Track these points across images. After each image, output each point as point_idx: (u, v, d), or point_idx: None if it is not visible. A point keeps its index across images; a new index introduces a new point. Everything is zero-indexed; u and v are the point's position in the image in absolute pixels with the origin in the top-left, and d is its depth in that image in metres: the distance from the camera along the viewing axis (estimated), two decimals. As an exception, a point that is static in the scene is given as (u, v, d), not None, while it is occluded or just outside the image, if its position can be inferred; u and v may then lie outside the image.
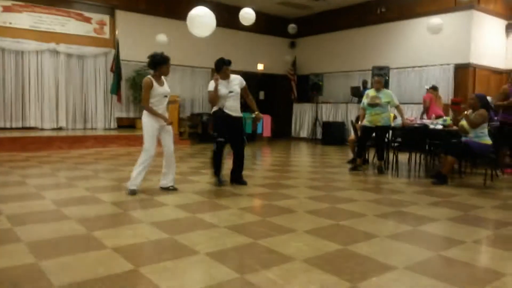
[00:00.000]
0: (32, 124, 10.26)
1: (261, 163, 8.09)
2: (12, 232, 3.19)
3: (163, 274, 2.49)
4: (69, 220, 3.57)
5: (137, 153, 8.40)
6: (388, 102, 6.54)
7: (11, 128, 9.88)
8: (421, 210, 4.27)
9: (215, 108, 5.23)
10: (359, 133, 7.04)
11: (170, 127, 4.83)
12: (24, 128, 10.06)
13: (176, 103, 10.77)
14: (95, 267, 2.58)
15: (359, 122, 7.15)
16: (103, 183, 5.37)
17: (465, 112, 5.72)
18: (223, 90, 5.11)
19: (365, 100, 6.68)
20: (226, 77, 5.16)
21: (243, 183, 5.35)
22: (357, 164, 6.79)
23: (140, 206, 4.15)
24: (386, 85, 10.75)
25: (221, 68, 5.14)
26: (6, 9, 9.85)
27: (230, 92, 5.13)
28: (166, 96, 4.75)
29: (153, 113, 4.61)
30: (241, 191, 4.98)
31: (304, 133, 13.41)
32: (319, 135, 12.46)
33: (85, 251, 2.85)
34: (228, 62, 5.18)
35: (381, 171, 6.52)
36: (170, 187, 4.84)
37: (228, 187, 5.23)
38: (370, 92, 6.69)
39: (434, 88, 8.74)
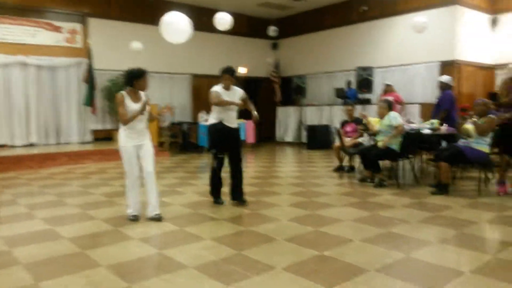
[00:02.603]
0: (2, 142, 9.70)
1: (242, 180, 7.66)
2: None
3: None
4: (16, 266, 3.11)
5: (110, 170, 8.01)
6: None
7: (-23, 147, 9.31)
8: (412, 230, 3.91)
9: (213, 121, 4.88)
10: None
11: (149, 145, 4.34)
12: (-8, 146, 9.49)
13: (164, 113, 10.29)
14: None
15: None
16: (67, 211, 4.88)
17: (472, 118, 5.36)
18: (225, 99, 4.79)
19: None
20: (227, 86, 4.86)
21: (244, 202, 4.96)
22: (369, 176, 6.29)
23: (100, 242, 3.69)
24: (370, 85, 10.48)
25: (223, 76, 4.85)
26: (-30, 21, 9.28)
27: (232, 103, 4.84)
28: (142, 114, 4.25)
29: (131, 119, 4.17)
30: (217, 215, 4.56)
31: (288, 137, 13.03)
32: (304, 139, 12.09)
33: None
34: (231, 71, 4.87)
35: (382, 185, 5.98)
36: (155, 216, 4.31)
37: (204, 209, 4.81)
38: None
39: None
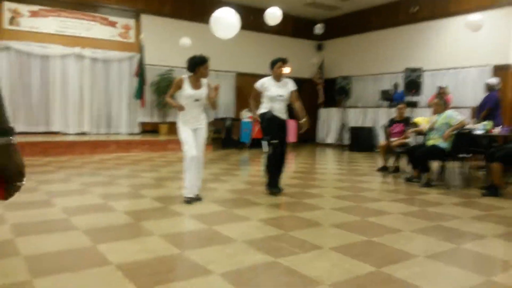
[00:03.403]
0: (57, 129, 10.25)
1: (284, 169, 7.68)
2: (12, 244, 2.95)
3: (168, 299, 2.17)
4: (76, 230, 3.31)
5: (158, 159, 8.29)
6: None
7: (36, 133, 9.88)
8: (463, 225, 3.80)
9: (263, 110, 4.97)
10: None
11: (202, 131, 4.51)
12: (48, 133, 10.05)
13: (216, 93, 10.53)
14: (93, 286, 2.29)
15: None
16: (119, 189, 5.12)
17: None
18: (272, 91, 4.89)
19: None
20: (277, 77, 4.95)
21: (280, 189, 5.05)
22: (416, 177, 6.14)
23: (153, 216, 3.86)
24: (418, 86, 10.22)
25: (274, 65, 4.95)
26: (33, 14, 9.89)
27: (279, 95, 4.92)
28: (197, 100, 4.41)
29: (169, 102, 4.49)
30: (262, 201, 4.62)
31: (330, 139, 12.93)
32: (346, 141, 11.97)
33: (86, 267, 2.57)
34: (283, 59, 4.97)
35: (429, 185, 5.83)
36: (195, 196, 4.48)
37: (248, 195, 4.89)
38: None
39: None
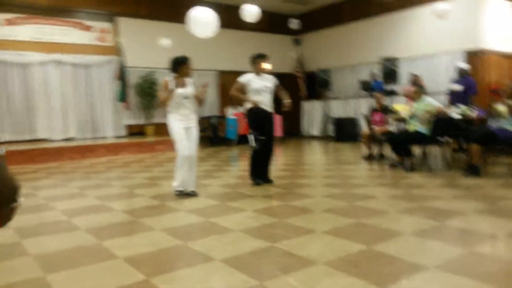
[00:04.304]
0: (42, 136, 10.22)
1: (273, 162, 7.87)
2: (20, 245, 3.07)
3: (177, 284, 2.33)
4: (79, 230, 3.44)
5: (148, 159, 8.39)
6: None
7: (21, 141, 9.84)
8: (446, 204, 4.05)
9: (250, 105, 5.11)
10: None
11: (195, 130, 4.66)
12: (34, 141, 10.02)
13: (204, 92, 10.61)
14: (104, 278, 2.44)
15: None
16: (114, 191, 5.24)
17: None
18: (257, 84, 5.07)
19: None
20: (259, 71, 5.13)
21: (271, 181, 5.29)
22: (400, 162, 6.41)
23: (151, 213, 4.00)
24: (395, 75, 10.52)
25: (254, 60, 5.15)
26: (9, 22, 9.81)
27: (265, 86, 5.11)
28: (186, 98, 4.57)
29: (164, 100, 4.54)
30: (255, 193, 4.80)
31: (315, 131, 13.19)
32: (330, 132, 12.23)
33: (95, 262, 2.71)
34: (263, 56, 5.17)
35: (412, 169, 6.09)
36: (191, 192, 4.67)
37: (241, 189, 5.06)
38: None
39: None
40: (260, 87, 5.08)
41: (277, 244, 2.94)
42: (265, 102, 5.14)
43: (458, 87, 7.77)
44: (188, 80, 4.63)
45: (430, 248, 2.84)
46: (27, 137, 10.02)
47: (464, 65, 7.87)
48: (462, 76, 7.62)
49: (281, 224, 3.49)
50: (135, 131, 11.42)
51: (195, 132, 4.66)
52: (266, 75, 5.23)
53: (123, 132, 11.28)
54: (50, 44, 10.32)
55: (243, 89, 5.15)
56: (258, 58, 5.15)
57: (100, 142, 9.85)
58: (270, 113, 5.21)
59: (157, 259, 2.73)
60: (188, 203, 4.37)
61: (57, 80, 10.43)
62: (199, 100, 4.70)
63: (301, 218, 3.65)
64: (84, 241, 3.17)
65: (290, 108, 5.29)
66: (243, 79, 5.15)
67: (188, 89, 4.60)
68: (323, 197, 4.50)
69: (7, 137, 9.63)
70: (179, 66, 4.53)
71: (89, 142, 9.88)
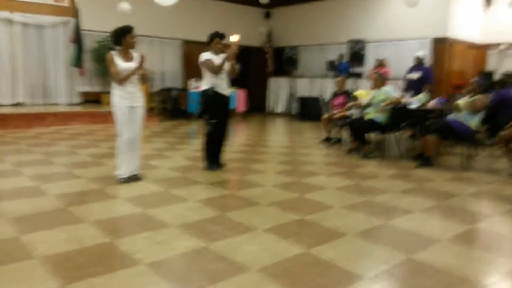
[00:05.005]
0: (-13, 100, 9.54)
1: (231, 142, 7.65)
2: None
3: (91, 295, 2.12)
4: (1, 219, 3.14)
5: (99, 132, 7.97)
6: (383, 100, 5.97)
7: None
8: (393, 199, 3.99)
9: (205, 87, 4.80)
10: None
11: (140, 109, 4.31)
12: (-23, 105, 9.34)
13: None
14: (11, 285, 2.19)
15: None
16: (52, 169, 4.88)
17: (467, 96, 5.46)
18: (216, 63, 4.73)
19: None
20: (218, 51, 4.80)
21: (223, 165, 5.11)
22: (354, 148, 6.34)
23: (85, 199, 3.72)
24: (361, 58, 10.41)
25: (213, 40, 4.78)
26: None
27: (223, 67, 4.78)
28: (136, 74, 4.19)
29: (126, 77, 4.13)
30: (203, 179, 4.60)
31: (279, 108, 13.02)
32: (294, 110, 12.09)
33: (8, 262, 2.44)
34: (222, 35, 4.82)
35: (368, 156, 6.04)
36: (133, 176, 4.37)
37: (190, 173, 4.84)
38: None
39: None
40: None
41: (211, 245, 2.77)
42: (222, 84, 4.88)
43: (414, 76, 7.76)
44: (133, 53, 4.27)
45: (369, 254, 2.75)
46: (-31, 101, 9.32)
47: (422, 54, 7.89)
48: (419, 65, 7.68)
49: (222, 219, 3.31)
50: (91, 98, 10.86)
51: (140, 113, 4.34)
52: (223, 55, 4.92)
53: (77, 99, 10.70)
54: (0, 0, 9.48)
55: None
56: (215, 37, 4.81)
57: (50, 109, 9.28)
58: (226, 97, 4.95)
59: (75, 261, 2.49)
60: (129, 189, 4.11)
61: (5, 40, 9.67)
62: (143, 77, 4.34)
63: (245, 212, 3.49)
64: (0, 232, 2.88)
65: (236, 50, 4.81)
66: (201, 58, 4.82)
67: (134, 64, 4.24)
68: (272, 186, 4.35)
69: None
70: (123, 37, 4.15)
71: (40, 109, 9.30)
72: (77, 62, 10.20)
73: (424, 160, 5.49)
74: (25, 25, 9.89)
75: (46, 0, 10.16)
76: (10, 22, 9.66)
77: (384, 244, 2.92)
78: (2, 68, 9.66)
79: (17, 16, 9.70)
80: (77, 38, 10.11)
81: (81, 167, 5.01)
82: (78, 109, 9.71)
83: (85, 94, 10.87)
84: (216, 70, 4.72)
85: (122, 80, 4.12)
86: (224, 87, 4.91)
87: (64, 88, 10.54)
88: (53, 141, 6.85)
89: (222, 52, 4.84)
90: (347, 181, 4.65)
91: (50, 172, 4.73)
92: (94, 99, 10.83)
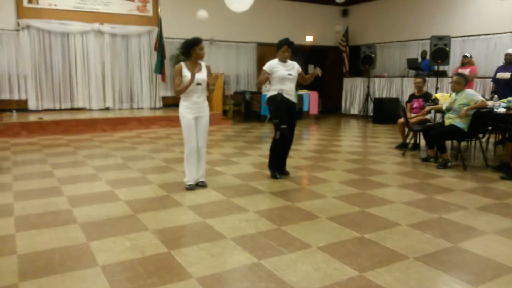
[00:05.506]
0: (81, 105, 10.53)
1: (299, 147, 7.59)
2: (12, 239, 3.10)
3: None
4: (74, 224, 3.44)
5: (175, 135, 8.40)
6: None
7: (60, 110, 10.20)
8: (468, 217, 3.66)
9: (272, 93, 4.88)
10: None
11: (206, 120, 4.47)
12: (73, 109, 10.34)
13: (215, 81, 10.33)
14: (74, 292, 2.39)
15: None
16: (128, 174, 5.23)
17: None
18: (281, 71, 4.80)
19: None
20: (284, 59, 4.85)
21: (287, 173, 5.14)
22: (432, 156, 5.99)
23: (152, 207, 3.94)
24: (445, 55, 9.67)
25: (281, 47, 4.83)
26: (51, -9, 9.96)
27: (289, 74, 4.83)
28: (199, 84, 4.32)
29: (183, 89, 4.29)
30: (265, 187, 4.61)
31: (354, 110, 12.63)
32: (370, 112, 11.65)
33: (72, 269, 2.67)
34: (290, 43, 4.85)
35: (446, 166, 5.60)
36: (199, 183, 4.57)
37: (254, 181, 4.88)
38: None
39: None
40: (284, 75, 4.81)
41: (263, 261, 2.76)
42: (288, 91, 4.86)
43: (505, 75, 6.99)
44: (201, 64, 4.42)
45: (431, 281, 2.54)
46: (66, 106, 10.36)
47: None
48: (511, 63, 6.83)
49: (277, 233, 3.29)
50: (171, 102, 11.47)
51: (205, 123, 4.48)
52: (290, 62, 4.91)
53: (159, 103, 11.37)
54: (91, 13, 10.42)
55: (266, 81, 4.87)
56: (283, 46, 4.81)
57: (134, 114, 9.98)
58: (293, 103, 4.93)
59: (135, 271, 2.64)
60: (193, 196, 4.26)
61: (96, 50, 10.59)
62: (210, 90, 4.48)
63: (301, 227, 3.43)
64: (71, 238, 3.15)
65: (320, 73, 4.82)
66: (266, 67, 4.87)
67: (202, 74, 4.38)
68: (335, 198, 4.23)
69: (46, 105, 10.01)
70: (191, 48, 4.30)
71: (125, 113, 10.04)
72: (159, 68, 10.85)
73: (509, 171, 4.96)
74: (113, 35, 10.74)
75: (132, 11, 10.93)
76: (100, 33, 10.56)
77: (450, 270, 2.69)
78: (94, 76, 10.59)
79: (106, 27, 10.56)
80: (159, 46, 10.74)
81: (154, 172, 5.31)
82: (159, 113, 10.32)
83: (165, 98, 11.52)
84: (257, 83, 4.92)
85: (180, 92, 4.31)
86: (291, 92, 4.89)
87: (148, 93, 11.29)
88: (133, 145, 7.35)
89: (289, 59, 4.85)
90: (418, 195, 4.36)
91: (126, 177, 5.07)
92: (174, 103, 11.41)
